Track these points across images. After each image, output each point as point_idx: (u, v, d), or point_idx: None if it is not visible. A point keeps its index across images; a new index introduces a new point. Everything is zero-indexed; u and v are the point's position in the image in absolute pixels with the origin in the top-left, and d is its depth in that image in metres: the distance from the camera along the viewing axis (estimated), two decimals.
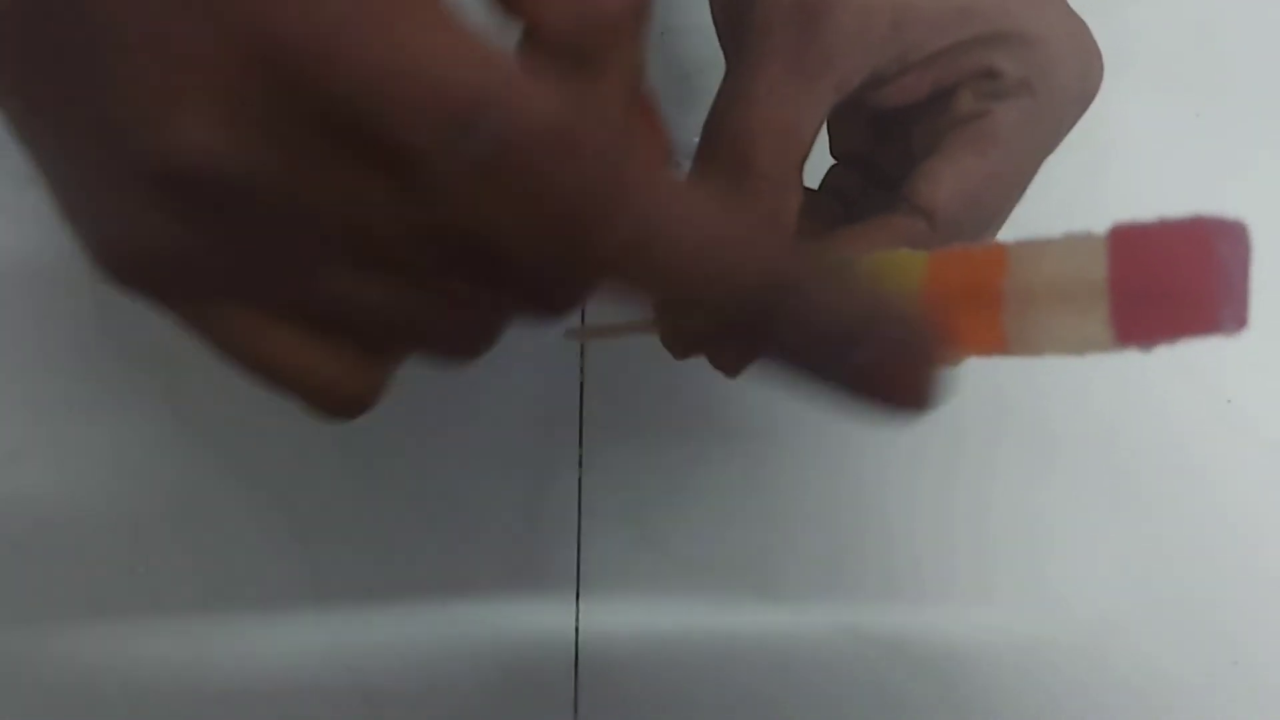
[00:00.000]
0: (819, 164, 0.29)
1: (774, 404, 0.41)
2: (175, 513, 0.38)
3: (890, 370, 0.18)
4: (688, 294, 0.17)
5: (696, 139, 0.45)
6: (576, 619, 0.37)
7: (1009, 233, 0.28)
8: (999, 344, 0.19)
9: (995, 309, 0.19)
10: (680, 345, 0.29)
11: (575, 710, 0.36)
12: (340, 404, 0.21)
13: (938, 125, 0.29)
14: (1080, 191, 0.42)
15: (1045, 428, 0.41)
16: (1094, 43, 0.30)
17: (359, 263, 0.18)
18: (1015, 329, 0.19)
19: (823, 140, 0.31)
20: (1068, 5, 0.29)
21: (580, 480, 0.39)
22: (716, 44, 0.49)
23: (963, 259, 0.20)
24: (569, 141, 0.16)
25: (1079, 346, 0.18)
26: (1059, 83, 0.28)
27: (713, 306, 0.17)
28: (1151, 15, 0.46)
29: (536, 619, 0.37)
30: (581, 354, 0.41)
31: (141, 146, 0.16)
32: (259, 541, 0.38)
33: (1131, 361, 0.41)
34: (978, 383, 0.40)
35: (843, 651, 0.38)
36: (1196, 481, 0.41)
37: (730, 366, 0.28)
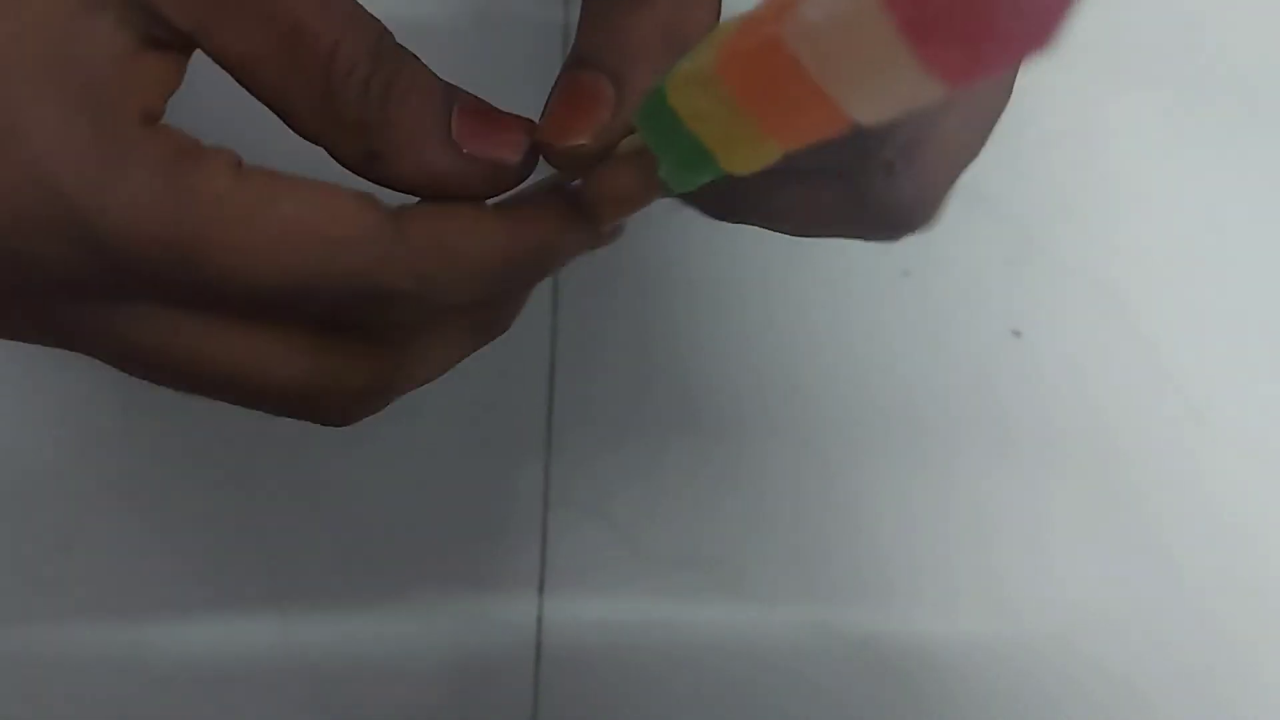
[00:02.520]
0: None
1: (747, 400, 0.40)
2: (118, 489, 0.37)
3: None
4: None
5: None
6: (539, 612, 0.36)
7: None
8: (817, 101, 0.16)
9: (790, 61, 0.16)
10: None
11: (535, 707, 0.35)
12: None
13: None
14: (1067, 183, 0.42)
15: (1011, 431, 0.41)
16: None
17: None
18: (821, 79, 0.16)
19: None
20: None
21: (547, 470, 0.38)
22: None
23: (743, 26, 0.18)
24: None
25: (890, 83, 0.15)
26: None
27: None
28: (1139, 8, 0.45)
29: (497, 611, 0.36)
30: (553, 342, 0.40)
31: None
32: (207, 523, 0.37)
33: (1095, 363, 0.41)
34: (943, 385, 0.40)
35: (810, 650, 0.37)
36: (1162, 485, 0.41)
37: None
